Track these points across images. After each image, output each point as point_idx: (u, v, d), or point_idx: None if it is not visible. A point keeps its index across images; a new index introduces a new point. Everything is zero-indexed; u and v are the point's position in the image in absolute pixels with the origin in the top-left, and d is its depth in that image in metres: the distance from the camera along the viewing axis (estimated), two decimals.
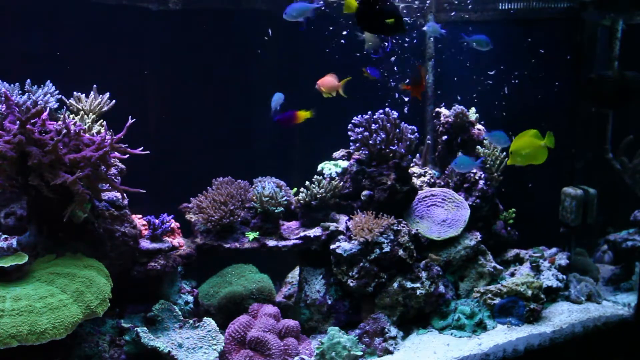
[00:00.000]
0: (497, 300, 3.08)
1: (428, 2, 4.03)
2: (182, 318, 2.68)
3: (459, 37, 3.47)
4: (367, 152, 3.28)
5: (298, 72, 3.79)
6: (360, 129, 3.28)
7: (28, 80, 2.77)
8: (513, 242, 3.62)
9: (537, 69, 4.07)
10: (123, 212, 2.67)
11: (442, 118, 3.71)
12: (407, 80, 3.14)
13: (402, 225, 3.11)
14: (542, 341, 2.91)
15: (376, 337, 2.84)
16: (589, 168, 4.04)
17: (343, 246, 3.00)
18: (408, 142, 3.29)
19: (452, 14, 4.07)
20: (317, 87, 3.04)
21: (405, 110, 3.84)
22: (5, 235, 2.41)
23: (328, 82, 3.04)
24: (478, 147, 3.55)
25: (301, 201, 3.19)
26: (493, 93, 4.09)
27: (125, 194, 2.72)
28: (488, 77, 4.11)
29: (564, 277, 3.34)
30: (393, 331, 2.87)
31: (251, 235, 3.05)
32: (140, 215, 2.90)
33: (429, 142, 3.92)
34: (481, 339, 2.88)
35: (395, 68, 3.64)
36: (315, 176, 3.24)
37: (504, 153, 3.54)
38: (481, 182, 3.46)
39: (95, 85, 3.02)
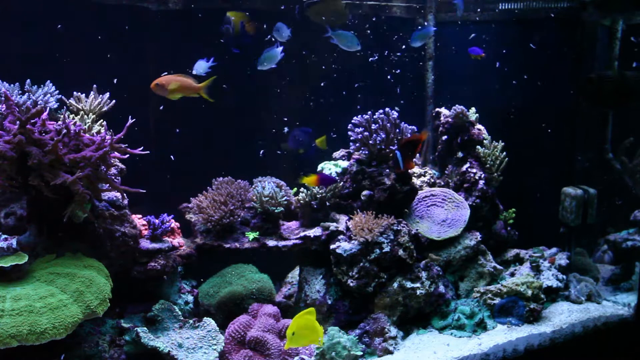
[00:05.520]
0: (497, 300, 3.08)
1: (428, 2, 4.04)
2: (182, 318, 2.68)
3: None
4: (367, 152, 3.28)
5: (299, 71, 3.79)
6: (360, 129, 3.28)
7: (28, 80, 2.77)
8: (513, 242, 3.62)
9: (537, 69, 4.07)
10: (123, 212, 2.67)
11: (442, 118, 3.71)
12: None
13: (402, 225, 3.11)
14: (542, 341, 2.91)
15: (376, 337, 2.84)
16: (589, 168, 4.04)
17: (343, 246, 3.00)
18: None
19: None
20: (158, 87, 2.75)
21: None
22: (5, 236, 2.40)
23: (183, 82, 2.75)
24: (478, 147, 3.55)
25: (301, 201, 3.19)
26: (493, 93, 4.09)
27: (125, 194, 2.72)
28: (488, 77, 4.12)
29: (564, 277, 3.34)
30: (393, 331, 2.87)
31: (251, 235, 3.05)
32: (140, 215, 2.90)
33: (429, 142, 3.92)
34: (481, 339, 2.88)
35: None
36: None
37: (504, 153, 3.54)
38: (481, 182, 3.46)
39: (95, 85, 3.02)
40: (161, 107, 3.32)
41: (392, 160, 3.01)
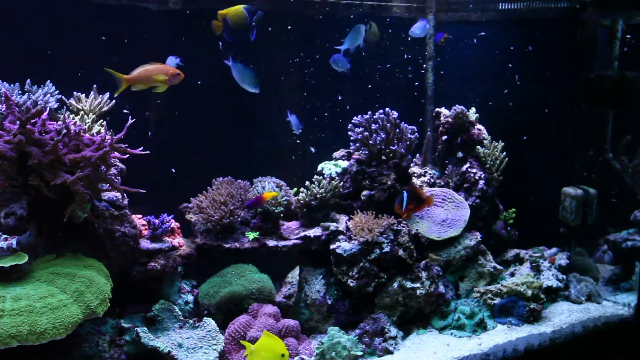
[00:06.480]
0: (497, 300, 3.08)
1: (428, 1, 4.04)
2: (182, 318, 2.68)
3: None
4: (367, 152, 3.28)
5: (298, 70, 3.79)
6: (360, 129, 3.28)
7: (28, 80, 2.77)
8: (513, 242, 3.62)
9: (537, 69, 4.07)
10: (123, 212, 2.67)
11: (442, 118, 3.71)
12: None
13: (402, 225, 3.11)
14: (542, 341, 2.91)
15: (376, 337, 2.84)
16: (589, 168, 4.04)
17: (343, 246, 3.00)
18: (408, 142, 3.29)
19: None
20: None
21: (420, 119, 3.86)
22: (5, 235, 2.40)
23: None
24: (478, 147, 3.55)
25: (301, 201, 3.19)
26: (493, 93, 4.09)
27: (125, 194, 2.72)
28: (488, 77, 4.11)
29: (564, 277, 3.34)
30: (393, 331, 2.87)
31: (251, 235, 3.05)
32: (140, 215, 2.90)
33: (429, 141, 3.92)
34: (481, 339, 2.88)
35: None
36: (315, 176, 3.24)
37: (504, 153, 3.54)
38: (481, 182, 3.46)
39: (95, 85, 3.02)
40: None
41: (397, 198, 2.95)
